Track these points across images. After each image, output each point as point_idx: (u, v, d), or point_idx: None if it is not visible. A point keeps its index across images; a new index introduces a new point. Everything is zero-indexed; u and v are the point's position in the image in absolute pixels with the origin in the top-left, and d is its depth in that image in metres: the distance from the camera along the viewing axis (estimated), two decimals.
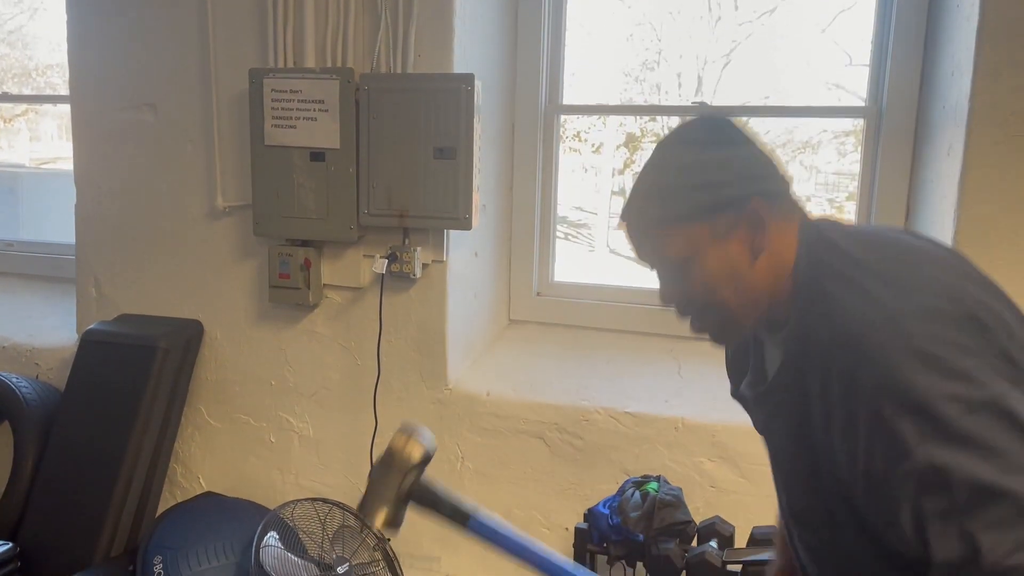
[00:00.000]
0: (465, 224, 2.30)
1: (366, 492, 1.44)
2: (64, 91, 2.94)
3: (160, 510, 2.64)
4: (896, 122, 2.37)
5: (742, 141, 1.06)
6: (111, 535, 2.45)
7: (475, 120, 2.26)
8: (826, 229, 1.04)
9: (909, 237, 1.06)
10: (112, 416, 2.52)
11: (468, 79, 2.24)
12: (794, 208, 1.07)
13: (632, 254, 1.12)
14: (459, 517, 1.42)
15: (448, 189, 2.28)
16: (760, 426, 1.17)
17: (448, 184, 2.28)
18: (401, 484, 1.42)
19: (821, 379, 0.93)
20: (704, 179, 1.04)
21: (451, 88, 2.25)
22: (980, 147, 1.99)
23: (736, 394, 1.24)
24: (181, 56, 2.59)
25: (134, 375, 2.53)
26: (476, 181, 2.31)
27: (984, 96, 1.98)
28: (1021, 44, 1.93)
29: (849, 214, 2.55)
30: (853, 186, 2.48)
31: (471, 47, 2.42)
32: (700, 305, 1.08)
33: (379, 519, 1.42)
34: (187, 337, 2.65)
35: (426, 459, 1.45)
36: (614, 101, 2.82)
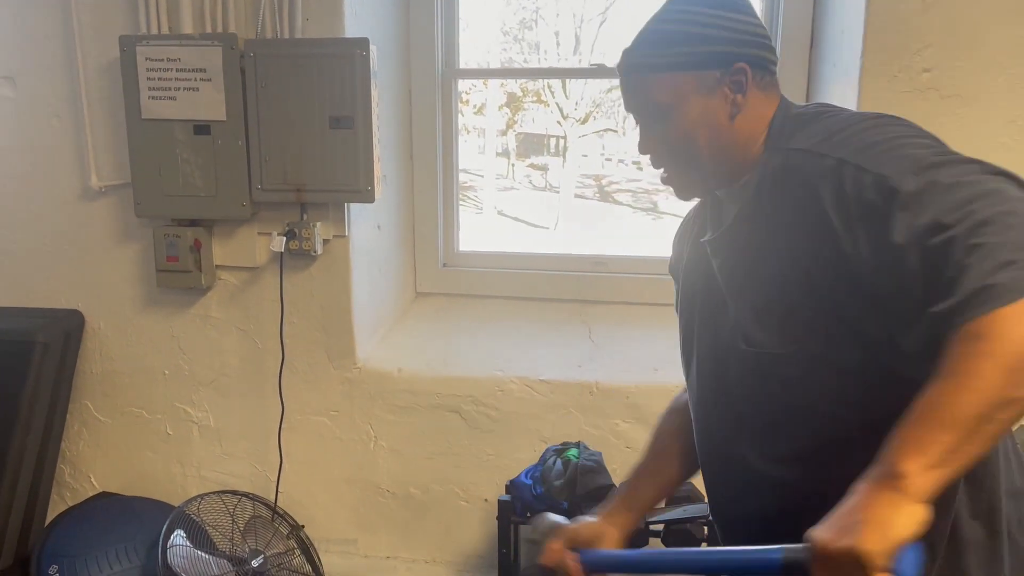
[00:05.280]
0: (367, 196, 2.21)
1: None
2: None
3: (51, 515, 2.46)
4: (788, 81, 2.41)
5: (747, 11, 1.13)
6: None
7: (372, 87, 2.16)
8: (802, 109, 1.13)
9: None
10: None
11: (363, 43, 2.13)
12: (774, 86, 1.16)
13: (623, 104, 1.17)
14: None
15: (347, 160, 2.18)
16: (702, 282, 1.18)
17: (347, 155, 2.18)
18: None
19: (833, 194, 0.96)
20: (701, 33, 1.10)
21: (345, 54, 2.14)
22: (872, 104, 2.05)
23: (674, 268, 1.32)
24: (40, 23, 2.35)
25: (10, 373, 2.32)
26: (376, 151, 2.22)
27: (874, 54, 2.04)
28: (907, 2, 1.99)
29: None
30: None
31: (362, 10, 2.31)
32: (675, 155, 1.14)
33: None
34: (67, 329, 2.45)
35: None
36: (494, 61, 2.77)
